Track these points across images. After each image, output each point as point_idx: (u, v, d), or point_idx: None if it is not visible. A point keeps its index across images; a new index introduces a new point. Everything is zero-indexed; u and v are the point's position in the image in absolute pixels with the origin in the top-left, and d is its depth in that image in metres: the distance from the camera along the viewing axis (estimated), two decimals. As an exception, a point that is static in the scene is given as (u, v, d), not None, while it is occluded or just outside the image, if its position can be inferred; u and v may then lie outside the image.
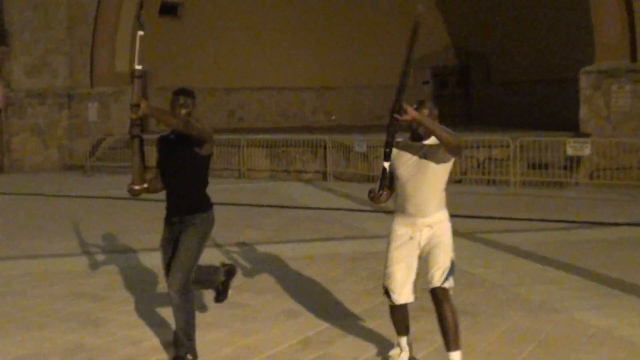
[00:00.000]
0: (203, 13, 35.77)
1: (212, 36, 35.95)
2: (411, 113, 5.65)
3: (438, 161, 5.89)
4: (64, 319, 8.05)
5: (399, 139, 6.07)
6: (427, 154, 5.88)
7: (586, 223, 14.40)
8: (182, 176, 6.44)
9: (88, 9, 31.04)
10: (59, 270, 10.68)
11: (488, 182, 21.14)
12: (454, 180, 21.03)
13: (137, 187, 6.47)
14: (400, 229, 6.01)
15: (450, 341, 5.91)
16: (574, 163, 20.31)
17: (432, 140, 5.91)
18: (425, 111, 5.90)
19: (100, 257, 11.67)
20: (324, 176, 23.67)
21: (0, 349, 7.01)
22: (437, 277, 5.89)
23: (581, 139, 20.21)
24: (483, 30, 34.48)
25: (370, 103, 37.19)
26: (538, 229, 13.84)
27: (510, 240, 12.35)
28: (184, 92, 6.59)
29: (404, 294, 6.02)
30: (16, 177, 28.68)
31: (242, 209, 17.04)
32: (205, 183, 6.55)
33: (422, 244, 5.95)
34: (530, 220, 14.77)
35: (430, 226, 5.92)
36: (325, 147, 23.72)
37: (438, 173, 5.92)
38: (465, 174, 21.51)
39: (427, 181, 5.89)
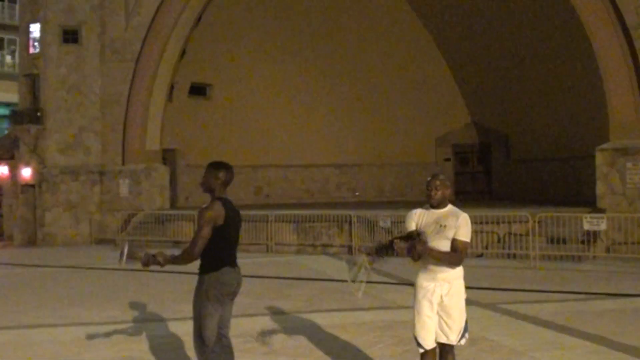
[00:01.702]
0: (231, 94, 37.00)
1: (239, 116, 37.09)
2: (422, 250, 6.76)
3: (451, 231, 6.75)
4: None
5: (419, 209, 7.02)
6: (442, 223, 6.76)
7: (602, 294, 15.01)
8: None
9: (120, 90, 32.23)
10: (104, 336, 11.41)
11: (509, 257, 21.69)
12: (475, 255, 21.71)
13: None
14: (423, 283, 6.88)
15: None
16: (591, 237, 20.90)
17: (447, 210, 6.88)
18: (437, 182, 6.75)
19: (139, 325, 12.38)
20: (350, 250, 24.32)
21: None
22: (454, 336, 6.87)
23: (597, 215, 20.83)
24: (503, 109, 35.38)
25: (392, 179, 37.99)
26: (556, 300, 14.42)
27: (529, 310, 12.96)
28: (211, 166, 7.38)
29: (431, 339, 6.84)
30: (49, 250, 29.48)
31: (271, 282, 17.71)
32: (212, 248, 7.07)
33: (442, 296, 6.78)
34: (549, 292, 15.38)
35: (448, 281, 6.78)
36: (350, 222, 24.44)
37: (451, 237, 6.79)
38: (487, 248, 22.11)
39: (443, 244, 6.76)
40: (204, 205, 7.19)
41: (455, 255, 6.76)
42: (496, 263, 20.77)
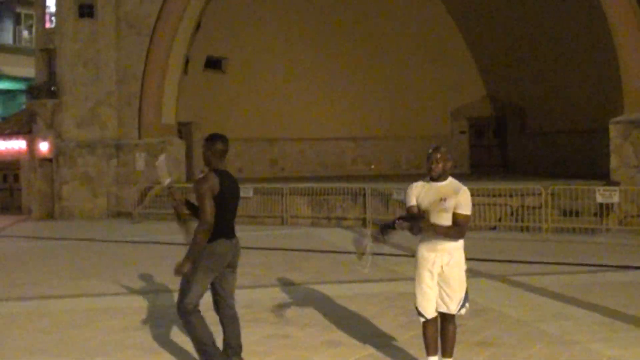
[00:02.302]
0: (246, 67, 37.06)
1: (255, 89, 37.17)
2: (426, 228, 6.91)
3: (452, 203, 6.83)
4: (125, 347, 8.95)
5: (420, 181, 7.08)
6: (442, 196, 6.82)
7: (613, 267, 15.05)
8: None
9: (136, 64, 32.35)
10: (115, 306, 11.63)
11: (522, 229, 21.76)
12: (489, 227, 21.80)
13: None
14: (424, 253, 6.98)
15: (448, 350, 7.11)
16: (604, 210, 20.90)
17: (447, 183, 6.93)
18: (438, 155, 6.82)
19: (151, 296, 12.57)
20: (364, 223, 24.44)
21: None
22: (454, 306, 7.00)
23: (610, 187, 20.82)
24: (519, 82, 35.29)
25: (408, 152, 37.98)
26: (566, 272, 14.49)
27: (538, 282, 13.03)
28: (206, 139, 7.50)
29: (431, 309, 6.98)
30: (66, 223, 29.84)
31: (284, 254, 17.87)
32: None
33: (442, 266, 6.88)
34: (559, 264, 15.45)
35: (449, 252, 6.87)
36: (364, 195, 24.55)
37: (451, 211, 6.87)
38: (500, 221, 22.17)
39: (444, 215, 6.84)
40: (199, 177, 7.33)
41: (457, 230, 6.85)
42: (509, 236, 20.86)
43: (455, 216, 6.85)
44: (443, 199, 6.85)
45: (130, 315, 10.87)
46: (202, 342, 7.21)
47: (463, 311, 7.04)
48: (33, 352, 8.86)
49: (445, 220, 6.87)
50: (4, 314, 11.33)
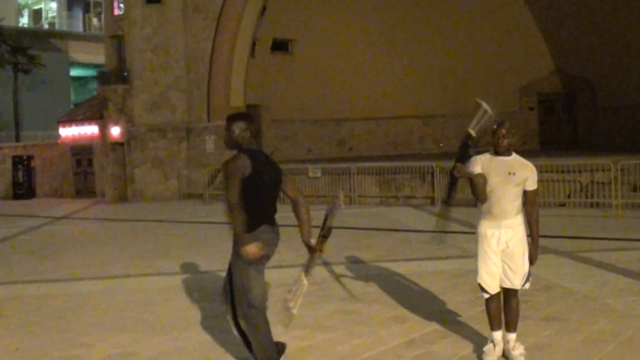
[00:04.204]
0: (313, 48, 37.21)
1: (322, 70, 37.32)
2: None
3: (521, 177, 6.93)
4: (196, 324, 9.21)
5: (486, 154, 7.18)
6: (512, 171, 6.88)
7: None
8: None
9: (204, 48, 32.71)
10: (188, 285, 11.91)
11: (591, 205, 21.53)
12: (558, 204, 21.62)
13: None
14: (488, 230, 7.06)
15: (512, 325, 7.19)
16: (676, 185, 20.55)
17: (513, 158, 7.04)
18: (503, 131, 6.86)
19: (221, 274, 12.81)
20: (432, 201, 24.45)
21: (146, 346, 8.21)
22: (518, 281, 7.08)
23: (682, 162, 20.48)
24: (588, 56, 34.76)
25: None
26: (635, 248, 14.33)
27: (607, 258, 12.93)
28: (229, 120, 6.84)
29: (495, 285, 7.11)
30: (139, 205, 30.46)
31: (353, 232, 17.97)
32: (245, 205, 6.51)
33: (506, 242, 6.94)
34: (628, 240, 15.30)
35: (512, 227, 6.94)
36: (432, 173, 24.52)
37: (520, 185, 6.96)
38: (569, 197, 21.96)
39: (511, 191, 6.91)
40: (228, 158, 6.61)
41: (536, 210, 7.10)
42: (578, 212, 20.66)
43: (527, 194, 6.97)
44: (512, 173, 6.92)
45: (200, 293, 11.14)
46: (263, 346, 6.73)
47: (527, 285, 7.11)
48: (108, 329, 9.17)
49: (514, 195, 6.94)
50: (80, 293, 11.73)
